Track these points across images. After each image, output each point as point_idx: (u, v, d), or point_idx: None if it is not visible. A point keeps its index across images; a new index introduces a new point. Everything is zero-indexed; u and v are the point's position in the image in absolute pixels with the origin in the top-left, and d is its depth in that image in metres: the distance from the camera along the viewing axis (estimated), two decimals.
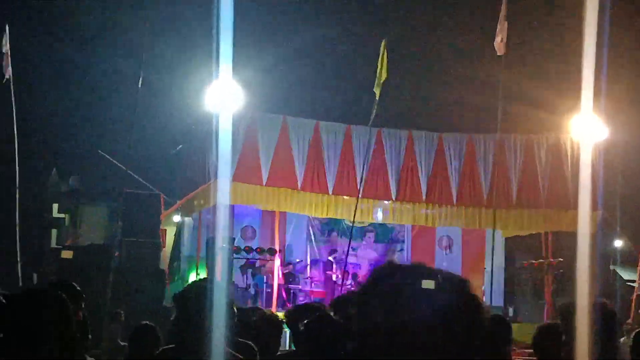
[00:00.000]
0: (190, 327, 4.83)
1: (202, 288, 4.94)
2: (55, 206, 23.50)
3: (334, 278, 24.30)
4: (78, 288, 5.95)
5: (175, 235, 24.45)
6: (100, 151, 23.47)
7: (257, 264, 24.04)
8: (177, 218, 24.40)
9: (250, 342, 5.71)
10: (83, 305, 5.78)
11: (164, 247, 22.47)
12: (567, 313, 4.38)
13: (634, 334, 6.99)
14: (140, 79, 18.96)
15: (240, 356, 4.85)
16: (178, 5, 23.65)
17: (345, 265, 22.67)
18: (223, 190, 19.67)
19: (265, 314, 6.87)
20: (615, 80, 20.29)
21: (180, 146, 24.08)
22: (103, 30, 24.02)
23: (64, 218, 23.50)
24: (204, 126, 20.97)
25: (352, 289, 23.65)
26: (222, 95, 19.29)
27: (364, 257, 26.92)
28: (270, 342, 6.30)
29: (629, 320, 20.31)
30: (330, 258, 24.89)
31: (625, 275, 24.97)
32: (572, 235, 21.45)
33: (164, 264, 22.60)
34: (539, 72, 25.41)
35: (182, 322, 4.92)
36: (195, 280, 6.22)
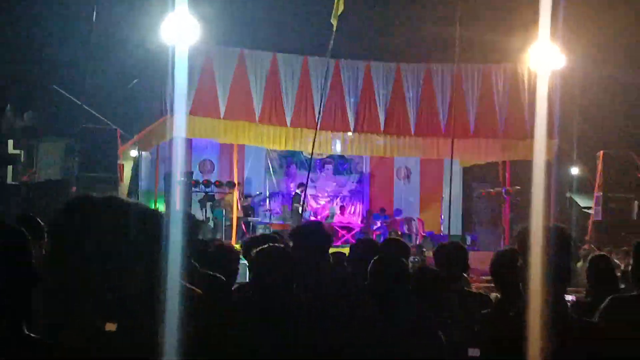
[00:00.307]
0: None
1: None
2: (10, 142, 23.19)
3: (299, 211, 24.37)
4: (40, 221, 5.90)
5: (132, 170, 24.26)
6: (55, 86, 23.13)
7: (216, 197, 23.99)
8: (134, 153, 24.19)
9: (217, 274, 5.71)
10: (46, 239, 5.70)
11: (122, 182, 22.31)
12: (523, 238, 4.40)
13: (589, 258, 7.09)
14: (94, 12, 18.69)
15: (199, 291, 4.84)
16: None
17: (305, 197, 22.71)
18: (180, 124, 19.56)
19: (222, 244, 6.86)
20: (572, 9, 20.28)
21: (136, 80, 23.78)
22: None
23: (20, 154, 23.20)
24: (160, 60, 20.74)
25: (313, 219, 23.83)
26: (178, 29, 19.07)
27: (324, 188, 26.98)
28: (228, 272, 6.29)
29: (585, 246, 20.62)
30: (298, 191, 24.89)
31: (582, 202, 25.28)
32: (529, 164, 21.64)
33: None
34: (496, 1, 25.32)
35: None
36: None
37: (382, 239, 21.95)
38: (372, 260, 4.80)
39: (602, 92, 24.85)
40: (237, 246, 12.22)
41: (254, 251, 5.49)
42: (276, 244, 5.95)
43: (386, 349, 4.62)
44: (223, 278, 5.78)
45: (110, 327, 3.14)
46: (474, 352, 4.73)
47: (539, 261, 4.21)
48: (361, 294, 5.89)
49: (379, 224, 24.97)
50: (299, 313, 5.15)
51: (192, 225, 5.74)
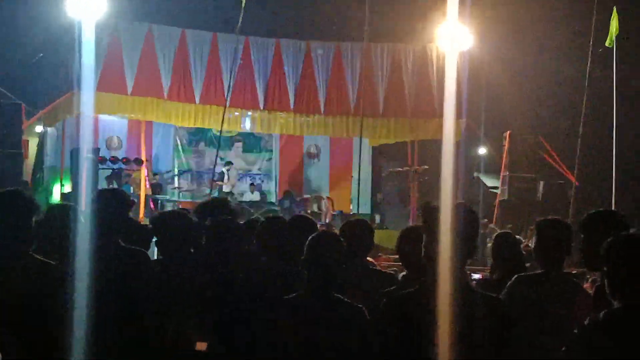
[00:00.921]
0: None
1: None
2: None
3: (225, 189, 24.27)
4: None
5: (38, 146, 23.81)
6: None
7: (124, 174, 23.66)
8: (39, 128, 23.73)
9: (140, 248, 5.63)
10: None
11: (27, 158, 21.87)
12: (427, 212, 4.42)
13: (494, 236, 7.17)
14: None
15: None
16: None
17: (213, 175, 22.58)
18: (86, 100, 19.25)
19: (133, 221, 6.75)
20: None
21: (41, 54, 23.28)
22: None
23: None
24: (66, 34, 20.34)
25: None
26: (85, 2, 18.71)
27: (232, 166, 26.85)
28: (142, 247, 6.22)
29: (492, 225, 20.96)
30: (224, 169, 24.71)
31: (489, 182, 25.65)
32: (437, 143, 21.87)
33: (27, 175, 22.06)
34: None
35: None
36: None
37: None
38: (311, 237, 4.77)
39: (510, 73, 25.20)
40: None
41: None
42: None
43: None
44: (145, 251, 5.72)
45: None
46: None
47: (443, 237, 4.22)
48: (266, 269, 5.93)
49: (288, 204, 24.94)
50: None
51: (124, 202, 5.65)
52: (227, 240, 5.85)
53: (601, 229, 4.75)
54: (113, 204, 5.45)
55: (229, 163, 25.15)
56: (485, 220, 21.15)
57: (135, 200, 22.81)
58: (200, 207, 6.89)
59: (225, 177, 24.56)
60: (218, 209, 6.58)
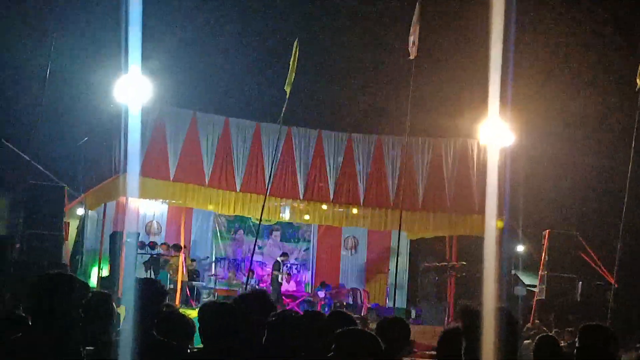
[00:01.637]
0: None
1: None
2: None
3: (279, 279, 24.28)
4: None
5: (78, 228, 23.99)
6: (4, 140, 22.92)
7: (162, 260, 23.73)
8: (80, 211, 23.95)
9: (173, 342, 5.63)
10: None
11: (67, 240, 22.04)
12: (466, 316, 4.40)
13: (537, 338, 7.08)
14: (48, 69, 18.64)
15: None
16: None
17: (251, 264, 22.57)
18: (131, 185, 19.47)
19: (174, 313, 6.76)
20: (521, 87, 20.65)
21: (86, 138, 23.65)
22: (11, 19, 23.48)
23: None
24: (111, 119, 20.67)
25: (257, 286, 23.63)
26: (131, 88, 19.06)
27: (270, 255, 26.84)
28: (182, 338, 6.22)
29: (529, 324, 20.69)
30: (279, 259, 24.80)
31: (527, 280, 25.42)
32: (475, 239, 21.80)
33: (66, 257, 22.19)
34: (449, 77, 25.71)
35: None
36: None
37: (327, 309, 21.95)
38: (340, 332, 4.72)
39: (550, 170, 25.22)
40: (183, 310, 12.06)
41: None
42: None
43: None
44: (175, 344, 5.71)
45: None
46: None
47: (485, 341, 4.20)
48: None
49: (324, 294, 24.85)
50: None
51: (157, 292, 5.67)
52: (291, 336, 5.81)
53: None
54: (147, 295, 5.47)
55: (285, 254, 25.25)
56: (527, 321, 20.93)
57: (172, 286, 22.88)
58: (240, 298, 6.89)
59: (281, 267, 24.55)
60: (258, 300, 6.56)
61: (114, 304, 6.09)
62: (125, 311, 5.59)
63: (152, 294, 5.53)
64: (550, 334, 7.76)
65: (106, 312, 5.76)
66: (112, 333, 5.93)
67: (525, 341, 17.10)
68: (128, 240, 21.25)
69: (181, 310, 10.84)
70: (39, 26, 21.16)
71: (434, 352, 6.31)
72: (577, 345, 5.64)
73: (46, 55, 18.78)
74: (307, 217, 24.59)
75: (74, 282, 4.84)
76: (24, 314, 5.89)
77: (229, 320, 5.75)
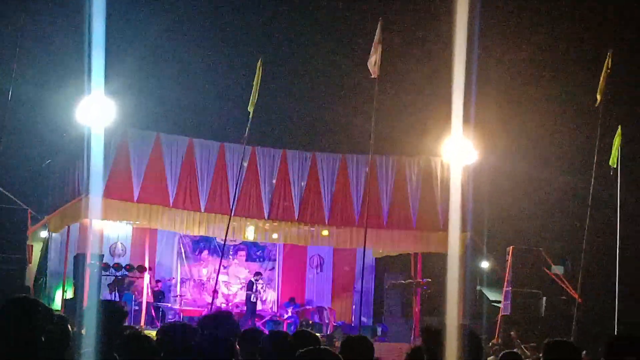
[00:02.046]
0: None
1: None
2: None
3: (252, 299, 24.17)
4: None
5: (42, 251, 23.84)
6: None
7: (126, 281, 23.61)
8: (44, 234, 23.80)
9: None
10: None
11: (30, 263, 21.89)
12: (427, 335, 4.44)
13: (501, 355, 7.12)
14: (10, 91, 18.55)
15: None
16: (49, 17, 23.20)
17: (216, 284, 22.50)
18: (94, 206, 19.39)
19: (135, 334, 6.74)
20: (483, 105, 20.83)
21: (49, 161, 23.55)
22: None
23: None
24: (74, 141, 20.59)
25: (223, 307, 23.59)
26: (94, 110, 19.02)
27: (236, 275, 26.78)
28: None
29: (494, 340, 20.79)
30: (253, 279, 24.73)
31: (491, 296, 25.57)
32: (440, 256, 21.90)
33: (30, 280, 22.03)
34: (412, 95, 25.88)
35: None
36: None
37: (292, 328, 21.93)
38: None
39: (513, 186, 25.41)
40: (147, 332, 12.00)
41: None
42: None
43: None
44: None
45: None
46: None
47: (448, 357, 4.24)
48: None
49: (290, 313, 24.83)
50: None
51: (117, 313, 5.66)
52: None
53: None
54: (107, 316, 5.45)
55: (258, 274, 25.20)
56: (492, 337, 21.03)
57: (138, 308, 22.76)
58: (204, 320, 6.89)
59: (254, 286, 24.46)
60: (223, 321, 6.57)
61: (69, 326, 6.06)
62: (85, 332, 5.58)
63: (112, 314, 5.51)
64: (514, 351, 7.80)
65: (62, 335, 5.72)
66: (72, 354, 5.90)
67: (490, 358, 17.21)
68: (92, 262, 21.13)
69: (146, 331, 10.79)
70: (0, 47, 21.03)
71: None
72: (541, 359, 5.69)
73: (8, 77, 18.68)
74: (274, 236, 24.61)
75: (38, 307, 4.81)
76: None
77: (188, 340, 5.75)
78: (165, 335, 6.17)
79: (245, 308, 24.56)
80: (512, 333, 20.76)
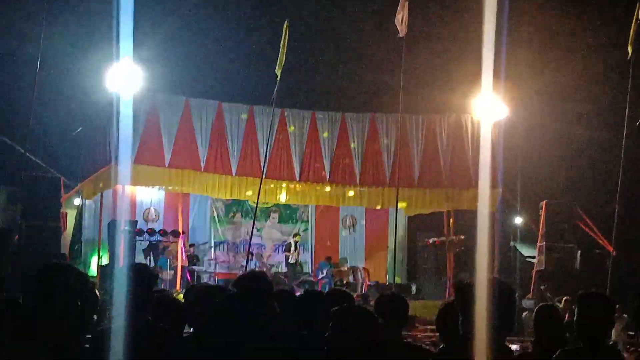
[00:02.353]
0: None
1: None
2: None
3: (290, 260, 24.40)
4: None
5: (76, 218, 24.01)
6: None
7: (161, 246, 23.77)
8: (77, 201, 23.97)
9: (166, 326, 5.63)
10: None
11: (65, 230, 22.07)
12: (459, 291, 4.44)
13: (536, 309, 7.10)
14: (39, 60, 18.59)
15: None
16: None
17: (250, 246, 22.60)
18: (124, 173, 19.49)
19: (166, 297, 6.78)
20: (514, 61, 20.66)
21: (80, 128, 23.62)
22: None
23: None
24: (104, 108, 20.65)
25: (257, 269, 23.67)
26: (123, 77, 19.06)
27: (269, 237, 26.89)
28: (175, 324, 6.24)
29: (529, 295, 20.78)
30: (292, 240, 24.95)
31: (525, 251, 25.48)
32: (473, 213, 21.85)
33: (65, 247, 22.23)
34: (441, 54, 25.68)
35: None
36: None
37: (327, 288, 22.02)
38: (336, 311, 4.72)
39: (545, 142, 25.24)
40: (181, 296, 12.08)
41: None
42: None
43: None
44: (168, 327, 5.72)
45: None
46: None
47: (479, 314, 4.23)
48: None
49: (324, 273, 24.91)
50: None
51: (147, 277, 5.68)
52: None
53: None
54: (137, 280, 5.48)
55: (298, 234, 25.33)
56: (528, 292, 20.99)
57: (173, 272, 22.94)
58: (238, 280, 6.91)
59: (292, 248, 24.61)
60: (256, 281, 6.58)
61: (96, 291, 6.12)
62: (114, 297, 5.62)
63: (142, 278, 5.54)
64: (550, 304, 7.78)
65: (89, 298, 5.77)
66: (100, 319, 5.97)
67: (524, 313, 17.21)
68: (126, 228, 21.30)
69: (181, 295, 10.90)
70: (28, 15, 21.05)
71: (434, 327, 6.33)
72: (576, 313, 5.65)
73: (36, 45, 18.72)
74: (306, 197, 24.66)
75: (73, 272, 4.84)
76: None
77: (213, 301, 5.74)
78: (191, 296, 6.20)
79: (281, 269, 24.81)
80: (541, 287, 20.74)
